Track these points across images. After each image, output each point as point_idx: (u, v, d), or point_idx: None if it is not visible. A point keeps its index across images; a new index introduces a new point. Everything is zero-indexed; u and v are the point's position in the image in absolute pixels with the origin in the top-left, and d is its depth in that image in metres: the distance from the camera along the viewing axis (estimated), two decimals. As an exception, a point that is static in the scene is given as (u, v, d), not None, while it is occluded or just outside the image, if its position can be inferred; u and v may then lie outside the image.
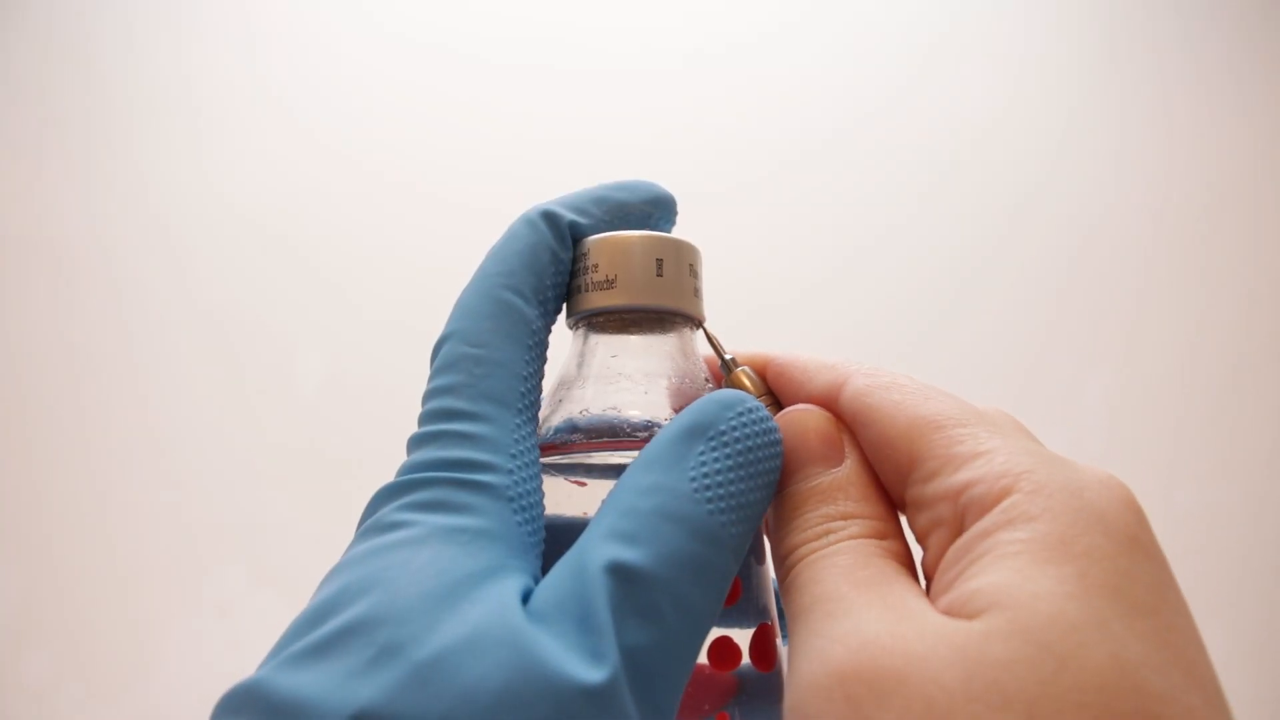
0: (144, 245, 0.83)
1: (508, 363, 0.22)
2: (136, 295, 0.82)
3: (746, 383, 0.24)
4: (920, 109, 0.90)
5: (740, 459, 0.20)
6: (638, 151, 0.88)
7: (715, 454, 0.20)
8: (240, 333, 0.83)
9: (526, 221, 0.24)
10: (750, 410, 0.21)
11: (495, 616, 0.17)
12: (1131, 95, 0.92)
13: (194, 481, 0.80)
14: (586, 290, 0.24)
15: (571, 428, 0.24)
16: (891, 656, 0.17)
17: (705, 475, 0.20)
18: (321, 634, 0.17)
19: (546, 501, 0.23)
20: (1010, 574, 0.17)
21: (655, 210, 0.26)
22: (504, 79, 0.88)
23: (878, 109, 0.90)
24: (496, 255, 0.24)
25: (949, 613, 0.18)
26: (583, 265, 0.24)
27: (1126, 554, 0.17)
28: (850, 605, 0.18)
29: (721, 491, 0.20)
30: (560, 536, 0.22)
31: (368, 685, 0.16)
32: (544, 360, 0.24)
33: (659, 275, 0.24)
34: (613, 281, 0.24)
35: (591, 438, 0.23)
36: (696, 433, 0.20)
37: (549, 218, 0.24)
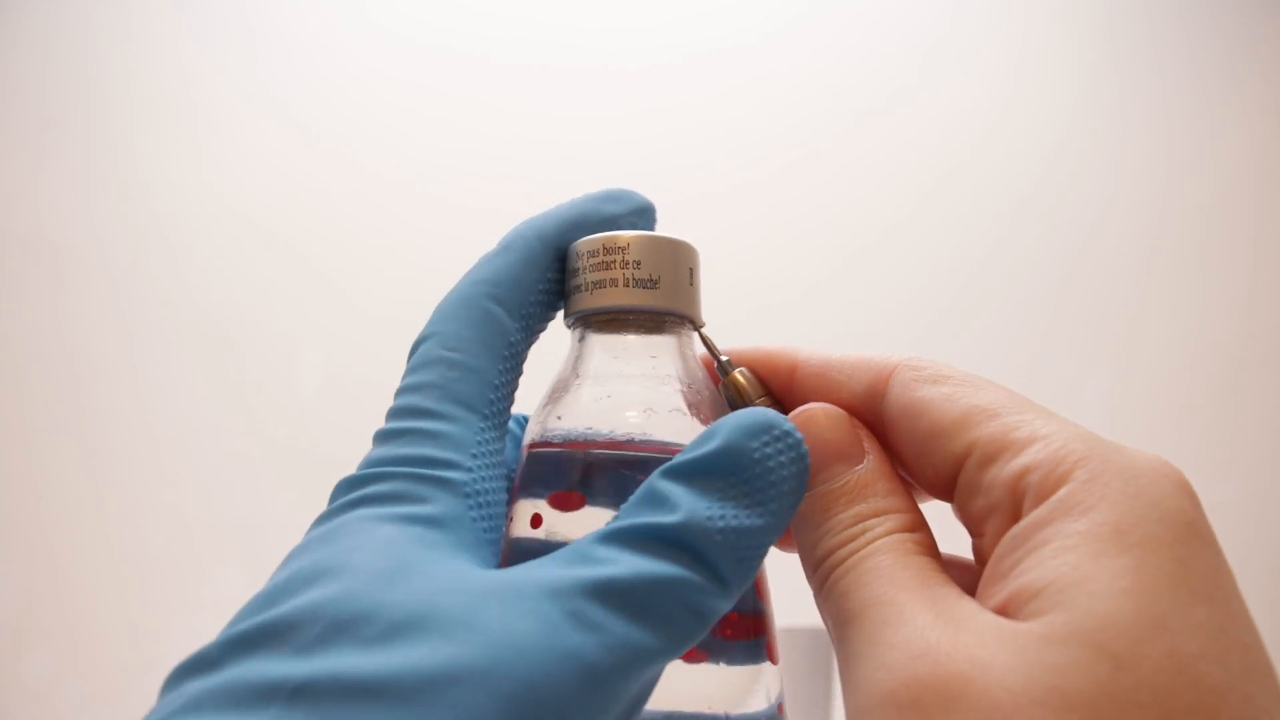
0: (143, 245, 0.83)
1: (482, 370, 0.22)
2: (136, 295, 0.82)
3: (744, 384, 0.24)
4: (920, 109, 0.90)
5: (762, 494, 0.19)
6: (638, 151, 0.88)
7: (735, 490, 0.19)
8: (240, 333, 0.83)
9: (518, 235, 0.24)
10: (780, 438, 0.20)
11: (448, 587, 0.17)
12: (1131, 95, 0.92)
13: (194, 481, 0.80)
14: (624, 285, 0.23)
15: (571, 429, 0.23)
16: (954, 661, 0.17)
17: (722, 509, 0.19)
18: (274, 614, 0.17)
19: (527, 518, 0.22)
20: (1066, 569, 0.17)
21: (639, 220, 0.26)
22: (503, 79, 0.88)
23: (878, 109, 0.90)
24: (484, 265, 0.24)
25: (1005, 607, 0.18)
26: (616, 260, 0.24)
27: (1183, 541, 0.17)
28: (903, 610, 0.18)
29: (734, 524, 0.19)
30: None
31: (314, 660, 0.16)
32: (518, 374, 0.23)
33: (690, 283, 0.24)
34: (656, 282, 0.23)
35: (599, 438, 0.23)
36: (722, 460, 0.19)
37: (539, 232, 0.24)
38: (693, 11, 0.90)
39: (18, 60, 0.85)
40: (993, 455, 0.20)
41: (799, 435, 0.20)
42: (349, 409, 0.82)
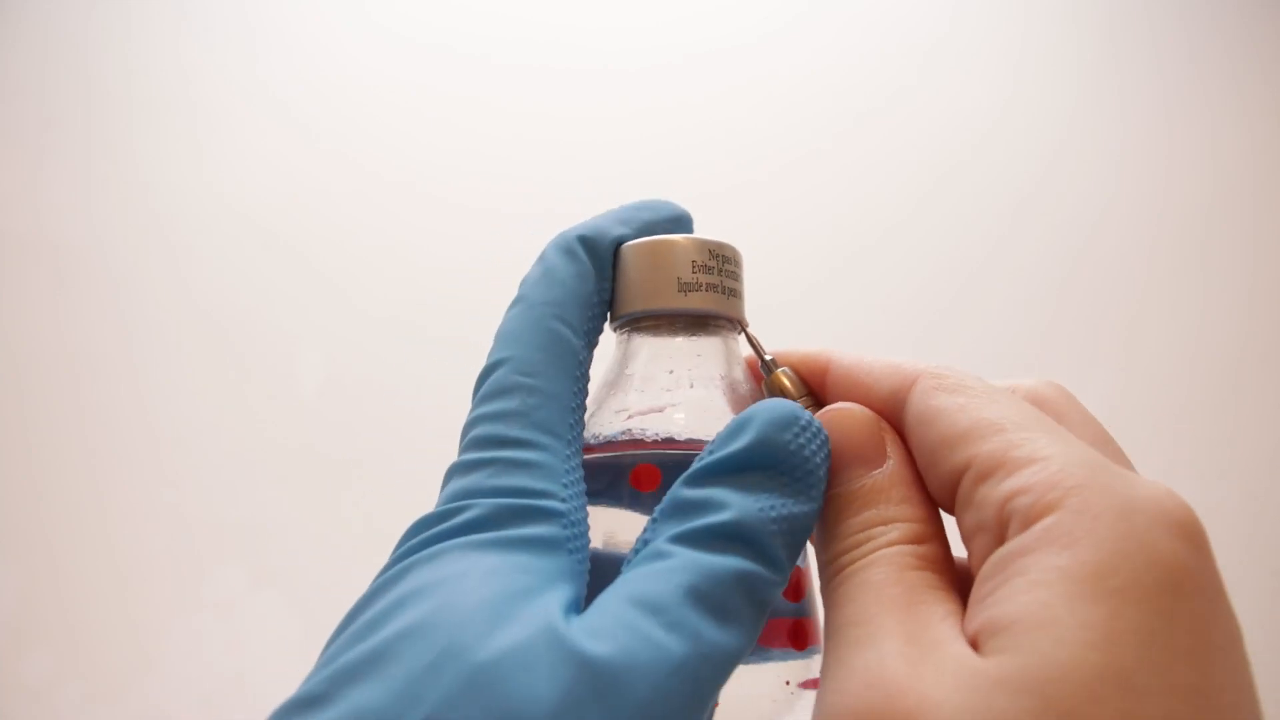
0: (144, 245, 0.83)
1: (559, 394, 0.22)
2: (136, 295, 0.82)
3: (787, 384, 0.24)
4: (920, 109, 0.90)
5: (803, 483, 0.20)
6: (638, 151, 0.88)
7: (775, 481, 0.20)
8: (240, 333, 0.83)
9: (565, 251, 0.24)
10: (807, 427, 0.21)
11: (544, 626, 0.17)
12: (1131, 95, 0.92)
13: (193, 481, 0.80)
14: (678, 289, 0.24)
15: (625, 430, 0.24)
16: (905, 697, 0.17)
17: (770, 500, 0.19)
18: (379, 643, 0.17)
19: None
20: (1036, 608, 0.16)
21: (676, 228, 0.26)
22: (504, 79, 0.88)
23: (878, 109, 0.90)
24: (541, 284, 0.23)
25: (976, 637, 0.17)
26: (670, 263, 0.24)
27: (1171, 591, 0.16)
28: (875, 632, 0.18)
29: (785, 512, 0.19)
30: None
31: (430, 690, 0.16)
32: (586, 394, 0.23)
33: (738, 285, 0.25)
34: (709, 285, 0.24)
35: (650, 441, 0.23)
36: (759, 453, 0.20)
37: (588, 245, 0.24)
38: (693, 11, 0.90)
39: (18, 60, 0.85)
40: (988, 471, 0.19)
41: (820, 423, 0.21)
42: (349, 409, 0.82)
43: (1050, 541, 0.17)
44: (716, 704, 0.19)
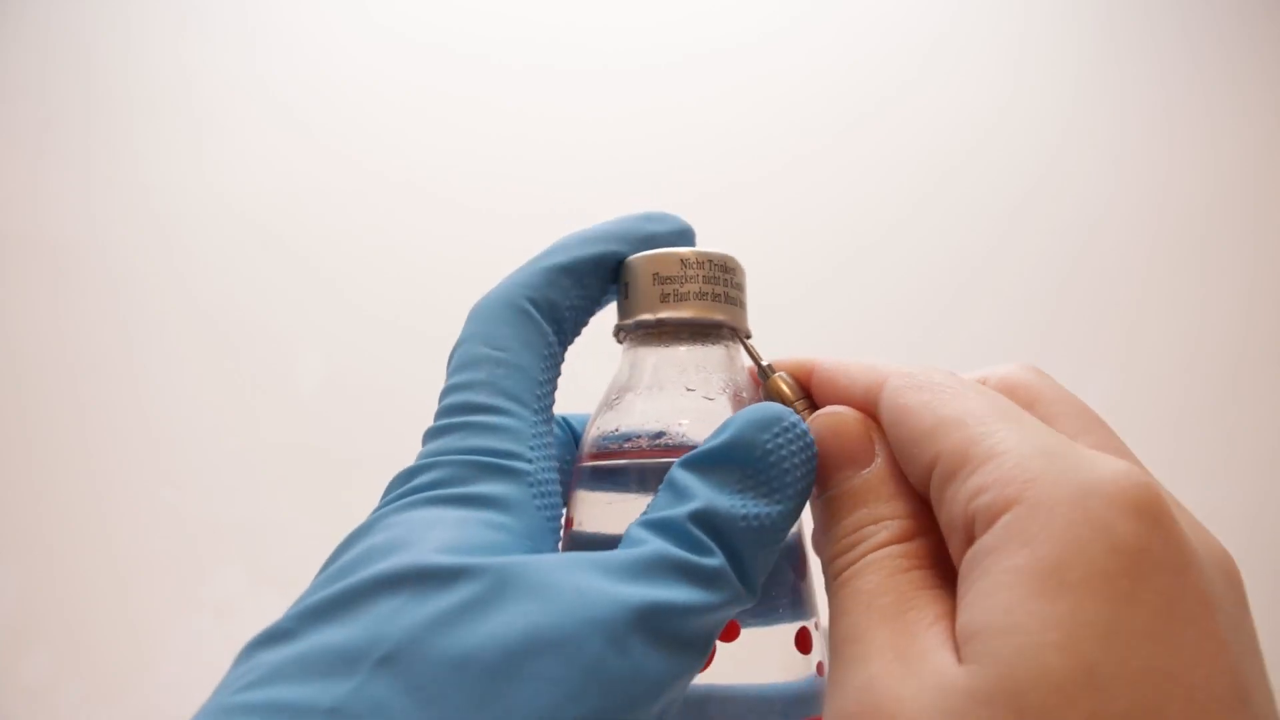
0: (143, 245, 0.83)
1: (526, 367, 0.23)
2: (136, 295, 0.82)
3: (784, 388, 0.25)
4: (920, 109, 0.90)
5: (776, 483, 0.20)
6: (638, 151, 0.88)
7: (750, 480, 0.20)
8: (240, 333, 0.83)
9: (560, 245, 0.25)
10: (788, 429, 0.21)
11: (520, 562, 0.18)
12: (1131, 95, 0.92)
13: (193, 481, 0.80)
14: (677, 300, 0.25)
15: (629, 435, 0.24)
16: (894, 719, 0.17)
17: (741, 500, 0.20)
18: (347, 585, 0.18)
19: (586, 515, 0.23)
20: (999, 614, 0.16)
21: (679, 241, 0.27)
22: (504, 79, 0.88)
23: (878, 109, 0.90)
24: (522, 269, 0.24)
25: (956, 642, 0.17)
26: (672, 275, 0.25)
27: (1130, 573, 0.16)
28: (866, 649, 0.18)
29: (752, 511, 0.20)
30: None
31: (393, 629, 0.16)
32: (557, 374, 0.24)
33: (739, 296, 0.26)
34: (709, 295, 0.25)
35: (652, 444, 0.24)
36: (734, 451, 0.20)
37: (582, 243, 0.25)
38: (693, 11, 0.90)
39: (18, 60, 0.85)
40: (953, 469, 0.19)
41: (805, 427, 0.21)
42: (349, 409, 0.82)
43: (1009, 540, 0.17)
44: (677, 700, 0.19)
